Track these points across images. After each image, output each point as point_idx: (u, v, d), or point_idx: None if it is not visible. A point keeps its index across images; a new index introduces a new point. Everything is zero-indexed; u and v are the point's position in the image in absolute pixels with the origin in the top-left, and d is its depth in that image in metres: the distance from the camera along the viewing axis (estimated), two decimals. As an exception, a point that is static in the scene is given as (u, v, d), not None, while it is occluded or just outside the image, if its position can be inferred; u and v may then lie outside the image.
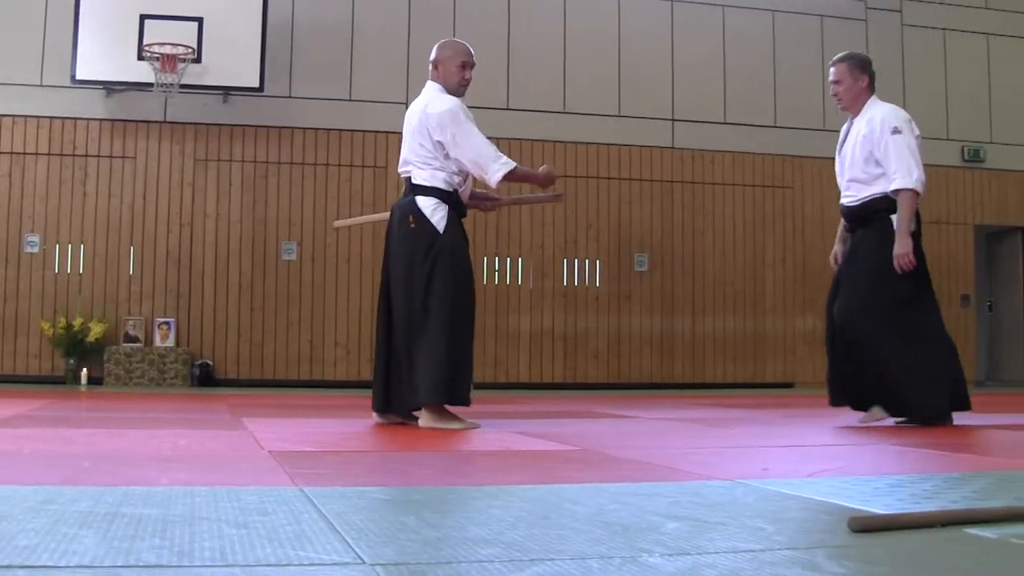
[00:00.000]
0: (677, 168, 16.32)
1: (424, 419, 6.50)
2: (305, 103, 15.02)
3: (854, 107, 7.31)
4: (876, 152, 7.02)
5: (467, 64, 6.90)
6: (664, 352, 16.11)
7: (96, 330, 13.82)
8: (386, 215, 7.41)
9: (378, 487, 3.80)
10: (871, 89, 7.29)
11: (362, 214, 13.85)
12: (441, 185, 6.66)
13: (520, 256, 15.66)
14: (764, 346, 16.40)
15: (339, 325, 14.99)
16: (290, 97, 14.98)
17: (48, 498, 3.14)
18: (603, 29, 16.20)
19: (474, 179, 6.95)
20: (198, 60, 13.83)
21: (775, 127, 16.51)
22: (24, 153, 14.26)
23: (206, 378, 14.15)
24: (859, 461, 4.96)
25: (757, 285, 16.54)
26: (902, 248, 6.85)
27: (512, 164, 6.69)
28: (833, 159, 7.50)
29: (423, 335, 6.50)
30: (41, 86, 14.24)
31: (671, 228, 16.28)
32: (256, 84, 14.22)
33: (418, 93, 7.10)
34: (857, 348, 7.03)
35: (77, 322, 13.78)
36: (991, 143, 17.54)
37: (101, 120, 14.42)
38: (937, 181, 17.08)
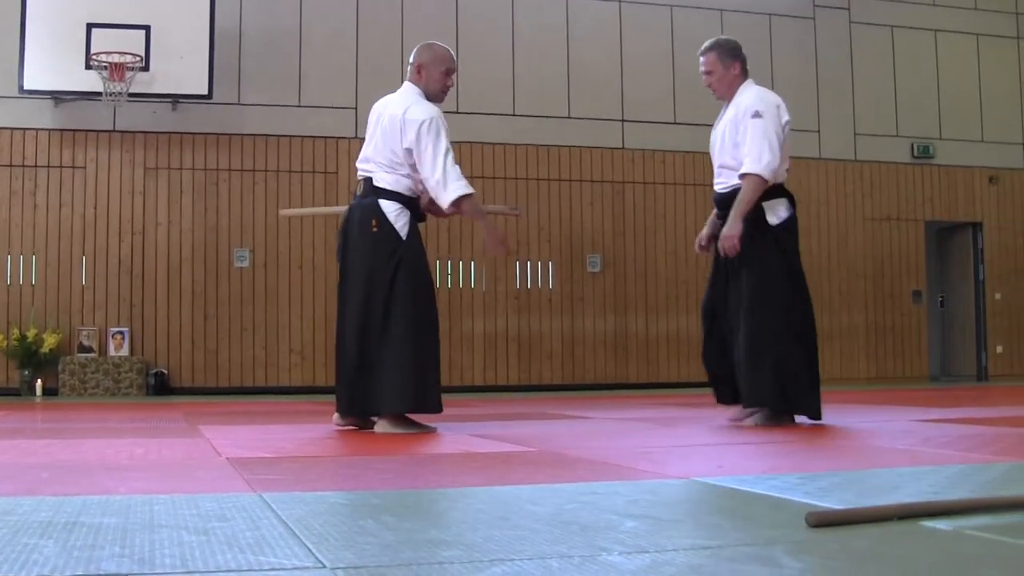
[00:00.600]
0: (628, 169, 16.37)
1: (381, 425, 6.45)
2: (254, 110, 14.97)
3: (729, 95, 7.10)
4: (737, 137, 6.89)
5: (451, 71, 6.82)
6: (618, 352, 16.15)
7: (50, 341, 13.74)
8: (334, 209, 7.31)
9: (337, 491, 3.81)
10: (744, 75, 7.09)
11: (313, 220, 13.90)
12: (404, 191, 6.58)
13: (472, 259, 15.66)
14: (718, 345, 16.40)
15: (293, 331, 14.95)
16: (239, 104, 14.93)
17: (7, 509, 3.12)
18: (552, 31, 16.23)
19: None
20: (146, 68, 13.77)
21: (725, 126, 16.52)
22: (-28, 164, 14.19)
23: (161, 387, 14.09)
24: (812, 457, 4.99)
25: (710, 284, 16.57)
26: (731, 231, 6.68)
27: (471, 190, 6.54)
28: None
29: (386, 342, 6.43)
30: (-12, 96, 14.16)
31: (623, 228, 16.32)
32: (205, 91, 14.16)
33: (369, 99, 7.07)
34: (724, 339, 6.99)
35: (31, 333, 13.70)
36: (941, 139, 17.69)
37: (50, 130, 14.33)
38: (888, 177, 17.27)
